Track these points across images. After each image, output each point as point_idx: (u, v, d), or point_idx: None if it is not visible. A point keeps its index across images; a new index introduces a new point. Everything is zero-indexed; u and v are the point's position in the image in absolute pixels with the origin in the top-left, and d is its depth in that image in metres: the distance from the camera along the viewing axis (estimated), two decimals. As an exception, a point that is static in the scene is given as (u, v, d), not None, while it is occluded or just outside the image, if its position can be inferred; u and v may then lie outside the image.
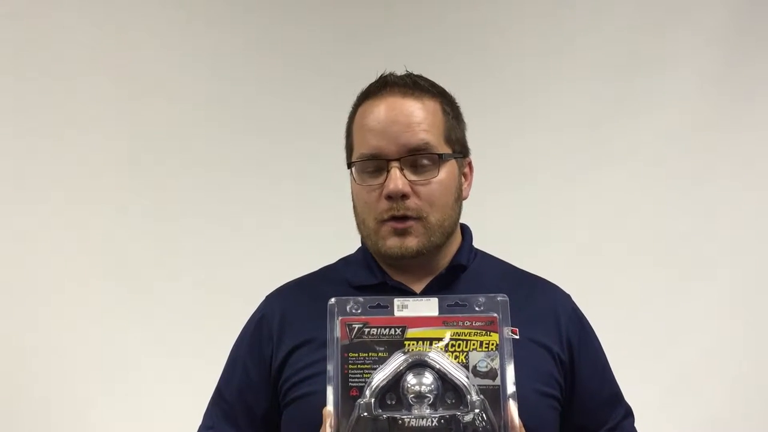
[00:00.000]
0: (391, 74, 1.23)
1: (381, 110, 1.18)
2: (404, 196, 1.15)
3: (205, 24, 2.30)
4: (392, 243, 1.16)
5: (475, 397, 0.90)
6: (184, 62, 2.28)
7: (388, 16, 2.33)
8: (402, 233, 1.16)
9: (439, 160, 1.17)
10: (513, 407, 0.91)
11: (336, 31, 2.32)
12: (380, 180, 1.16)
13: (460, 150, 1.23)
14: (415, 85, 1.21)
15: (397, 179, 1.14)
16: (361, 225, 1.22)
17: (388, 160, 1.16)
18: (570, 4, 2.32)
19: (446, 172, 1.18)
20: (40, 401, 2.06)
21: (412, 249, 1.16)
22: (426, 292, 1.20)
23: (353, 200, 1.23)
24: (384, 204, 1.16)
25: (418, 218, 1.16)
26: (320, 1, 2.33)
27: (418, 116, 1.17)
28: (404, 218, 1.16)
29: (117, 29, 2.22)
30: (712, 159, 2.26)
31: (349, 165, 1.22)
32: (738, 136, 2.25)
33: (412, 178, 1.16)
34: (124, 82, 2.22)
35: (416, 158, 1.16)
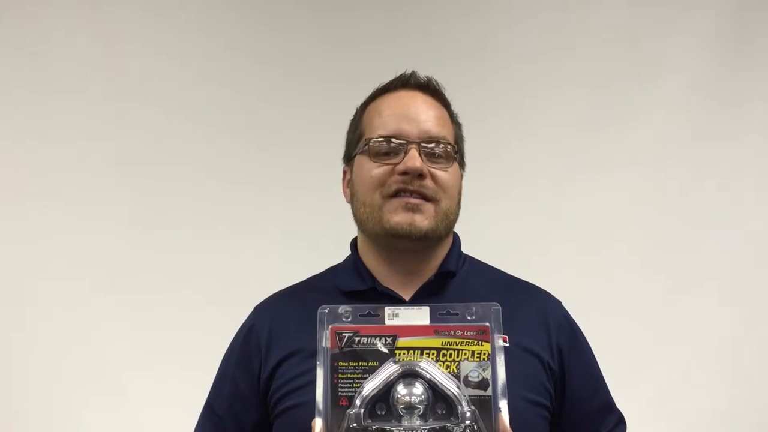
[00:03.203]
0: (413, 72, 1.24)
1: (403, 99, 1.21)
2: (421, 176, 1.14)
3: (200, 27, 2.27)
4: (401, 218, 1.14)
5: (465, 408, 0.89)
6: (179, 65, 2.25)
7: (386, 22, 2.32)
8: (414, 209, 1.14)
9: (455, 154, 1.19)
10: (504, 418, 0.90)
11: (333, 35, 2.31)
12: (395, 160, 1.16)
13: (461, 160, 1.25)
14: (436, 90, 1.24)
15: (417, 158, 1.14)
16: (361, 208, 1.19)
17: (408, 142, 1.16)
18: (567, 9, 2.32)
19: (455, 171, 1.20)
20: (28, 406, 2.05)
21: (421, 229, 1.14)
22: (415, 299, 1.19)
23: (355, 185, 1.21)
24: (395, 178, 1.15)
25: (432, 200, 1.16)
26: (317, 5, 2.31)
27: (437, 113, 1.20)
28: (418, 195, 1.15)
29: (110, 33, 2.20)
30: (708, 164, 2.26)
31: (364, 144, 1.19)
32: (734, 141, 2.25)
33: (429, 163, 1.16)
34: (118, 85, 2.20)
35: (434, 147, 1.17)
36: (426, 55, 2.21)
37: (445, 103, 1.25)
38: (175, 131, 2.23)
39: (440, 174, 1.16)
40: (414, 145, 1.15)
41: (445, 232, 1.19)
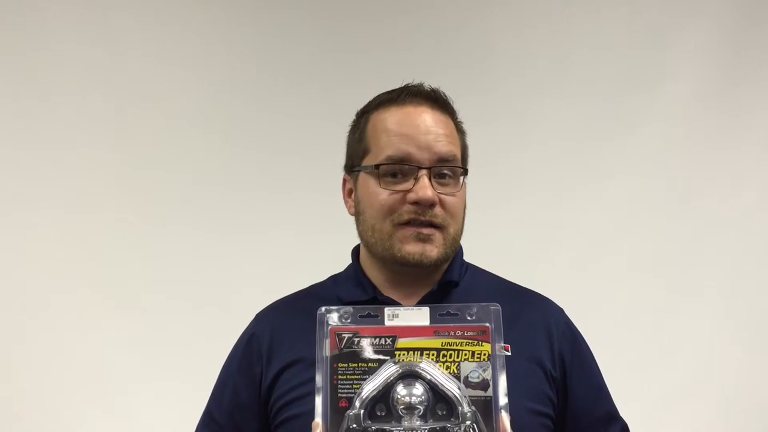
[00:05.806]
0: (420, 84, 1.22)
1: (413, 116, 1.17)
2: (432, 205, 1.13)
3: (203, 34, 2.29)
4: (413, 248, 1.14)
5: (466, 409, 0.88)
6: (182, 72, 2.26)
7: (389, 30, 2.33)
8: (425, 239, 1.14)
9: (463, 174, 1.18)
10: (505, 419, 0.89)
11: (336, 42, 2.32)
12: (404, 185, 1.14)
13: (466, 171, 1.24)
14: (444, 101, 1.21)
15: (428, 187, 1.13)
16: (369, 230, 1.17)
17: (419, 167, 1.14)
18: (568, 19, 2.34)
19: (462, 191, 1.19)
20: (28, 411, 2.05)
21: (432, 258, 1.14)
22: (417, 308, 1.18)
23: (362, 204, 1.19)
24: (407, 208, 1.13)
25: (441, 227, 1.15)
26: (321, 13, 2.33)
27: (446, 129, 1.18)
28: (429, 225, 1.14)
29: (113, 39, 2.22)
30: (709, 173, 2.27)
31: (375, 167, 1.16)
32: (735, 151, 2.26)
33: (438, 189, 1.15)
34: (119, 92, 2.21)
35: (443, 170, 1.15)
36: (428, 64, 2.23)
37: (451, 113, 1.22)
38: (176, 137, 2.23)
39: (449, 200, 1.15)
40: (425, 171, 1.13)
41: (451, 255, 1.19)
